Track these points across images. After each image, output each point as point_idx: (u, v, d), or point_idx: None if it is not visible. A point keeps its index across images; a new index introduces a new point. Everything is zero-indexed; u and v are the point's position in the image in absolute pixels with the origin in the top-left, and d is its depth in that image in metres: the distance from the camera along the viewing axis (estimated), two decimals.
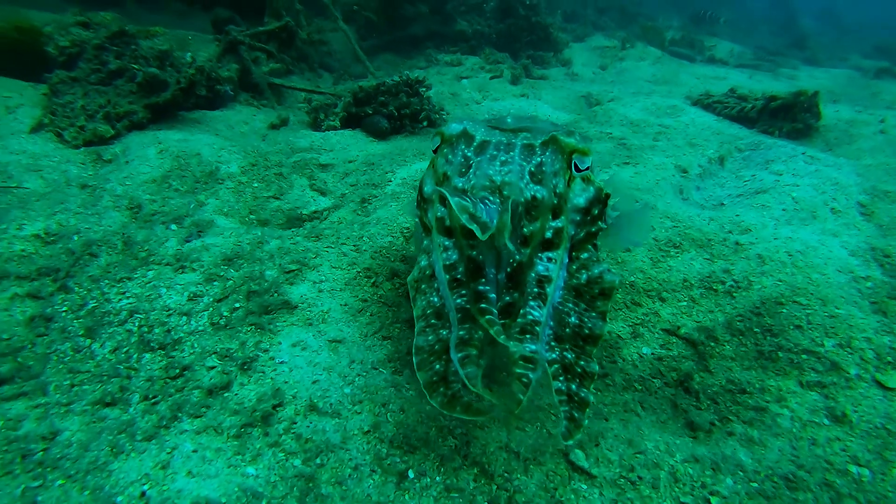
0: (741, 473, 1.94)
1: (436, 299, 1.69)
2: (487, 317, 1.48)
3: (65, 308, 2.38)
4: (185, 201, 3.15)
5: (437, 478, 1.82)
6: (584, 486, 1.87)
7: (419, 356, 1.63)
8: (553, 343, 1.66)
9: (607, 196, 1.89)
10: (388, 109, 4.34)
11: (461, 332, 1.55)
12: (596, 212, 1.82)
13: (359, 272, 2.65)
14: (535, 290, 1.61)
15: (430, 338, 1.64)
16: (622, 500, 1.84)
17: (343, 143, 4.11)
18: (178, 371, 2.05)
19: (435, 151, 1.83)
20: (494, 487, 1.83)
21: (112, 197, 3.11)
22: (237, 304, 2.33)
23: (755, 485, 1.90)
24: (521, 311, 1.58)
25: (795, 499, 1.86)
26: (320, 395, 1.97)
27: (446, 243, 1.66)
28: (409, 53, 7.54)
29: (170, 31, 5.38)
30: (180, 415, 1.88)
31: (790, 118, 5.04)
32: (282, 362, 2.09)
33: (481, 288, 1.56)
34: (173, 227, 2.89)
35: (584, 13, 11.47)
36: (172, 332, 2.24)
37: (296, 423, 1.87)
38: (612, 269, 1.73)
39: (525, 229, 1.60)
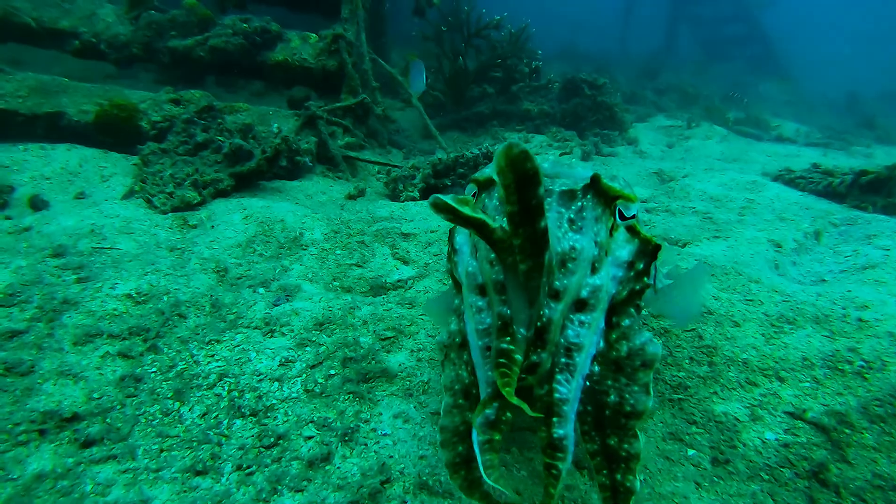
0: None
1: (465, 374, 1.50)
2: (502, 370, 1.24)
3: (154, 369, 2.32)
4: (270, 266, 3.13)
5: None
6: None
7: (443, 435, 1.47)
8: (593, 432, 1.46)
9: (656, 249, 1.60)
10: (467, 181, 4.33)
11: (488, 412, 1.31)
12: (641, 266, 1.56)
13: None
14: (563, 360, 1.37)
15: (456, 419, 1.47)
16: None
17: (423, 213, 4.08)
18: (272, 440, 1.93)
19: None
20: None
21: (199, 260, 3.12)
22: (332, 371, 2.22)
23: None
24: (546, 386, 1.36)
25: None
26: (429, 472, 1.80)
27: (479, 304, 1.44)
28: (475, 132, 7.67)
29: (252, 107, 5.62)
30: (280, 487, 1.73)
31: (885, 193, 4.81)
32: (384, 434, 1.95)
33: (504, 346, 1.28)
34: (261, 290, 2.85)
35: (643, 94, 11.60)
36: (264, 399, 2.13)
37: (406, 503, 1.70)
38: (655, 340, 1.52)
39: (557, 283, 1.35)
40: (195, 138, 4.64)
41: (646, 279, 1.57)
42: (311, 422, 2.00)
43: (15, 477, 1.80)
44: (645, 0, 33.49)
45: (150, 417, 2.10)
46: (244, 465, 1.85)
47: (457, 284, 1.65)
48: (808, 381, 2.43)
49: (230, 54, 5.82)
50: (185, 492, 1.79)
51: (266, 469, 1.82)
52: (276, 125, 4.71)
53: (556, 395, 1.35)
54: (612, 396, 1.45)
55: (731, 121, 9.78)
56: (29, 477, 1.81)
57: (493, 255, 1.34)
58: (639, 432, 1.45)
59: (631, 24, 33.13)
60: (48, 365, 2.26)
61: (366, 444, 1.91)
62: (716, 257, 3.34)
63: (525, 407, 1.17)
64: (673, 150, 7.97)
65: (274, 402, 2.12)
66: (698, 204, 4.71)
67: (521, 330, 1.28)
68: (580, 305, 1.41)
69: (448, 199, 1.06)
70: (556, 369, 1.36)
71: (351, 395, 2.12)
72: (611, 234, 1.50)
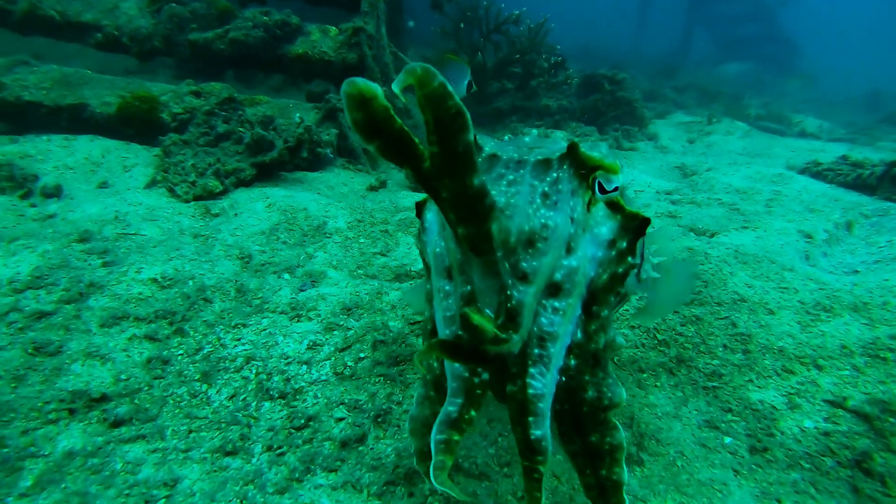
0: None
1: (436, 364, 1.40)
2: (471, 307, 1.14)
3: (181, 351, 2.30)
4: (294, 253, 3.11)
5: None
6: None
7: (412, 425, 1.41)
8: (572, 432, 1.35)
9: (644, 223, 1.38)
10: None
11: (451, 409, 1.20)
12: (624, 245, 1.36)
13: None
14: (536, 350, 1.22)
15: (425, 411, 1.40)
16: None
17: None
18: (303, 421, 1.90)
19: None
20: None
21: (223, 246, 3.10)
22: (362, 355, 2.19)
23: None
24: (518, 381, 1.22)
25: None
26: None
27: (447, 288, 1.29)
28: (493, 127, 7.62)
29: (272, 99, 5.61)
30: (313, 467, 1.70)
31: None
32: None
33: (468, 309, 1.13)
34: (286, 276, 2.82)
35: (662, 92, 11.48)
36: (293, 381, 2.10)
37: None
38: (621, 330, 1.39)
39: (524, 264, 1.18)
40: (216, 129, 4.63)
41: (629, 259, 1.38)
42: (342, 403, 1.96)
43: (46, 453, 1.79)
44: (660, 1, 33.28)
45: (178, 399, 2.08)
46: (275, 446, 1.82)
47: (427, 268, 1.49)
48: (847, 370, 2.36)
49: (250, 47, 5.81)
50: (215, 471, 1.76)
51: (298, 449, 1.79)
52: (298, 115, 4.70)
53: (531, 391, 1.20)
54: (590, 392, 1.33)
55: (753, 117, 9.65)
56: (60, 454, 1.79)
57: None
58: (617, 422, 1.36)
59: (646, 25, 32.95)
60: (76, 346, 2.25)
61: (399, 426, 1.87)
62: (745, 247, 3.27)
63: (488, 326, 1.07)
64: (694, 146, 7.86)
65: (303, 384, 2.09)
66: (724, 196, 4.63)
67: (488, 311, 1.18)
68: (553, 290, 1.25)
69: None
70: (529, 361, 1.22)
71: (382, 378, 2.08)
72: (588, 210, 1.33)
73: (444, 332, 1.28)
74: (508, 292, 1.16)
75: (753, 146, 7.76)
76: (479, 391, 1.21)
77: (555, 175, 1.28)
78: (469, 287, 1.19)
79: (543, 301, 1.24)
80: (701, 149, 7.65)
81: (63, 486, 1.68)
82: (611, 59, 14.23)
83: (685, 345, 2.55)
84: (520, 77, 8.09)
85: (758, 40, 23.92)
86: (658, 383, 2.40)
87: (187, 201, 3.83)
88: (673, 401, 2.31)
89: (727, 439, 2.14)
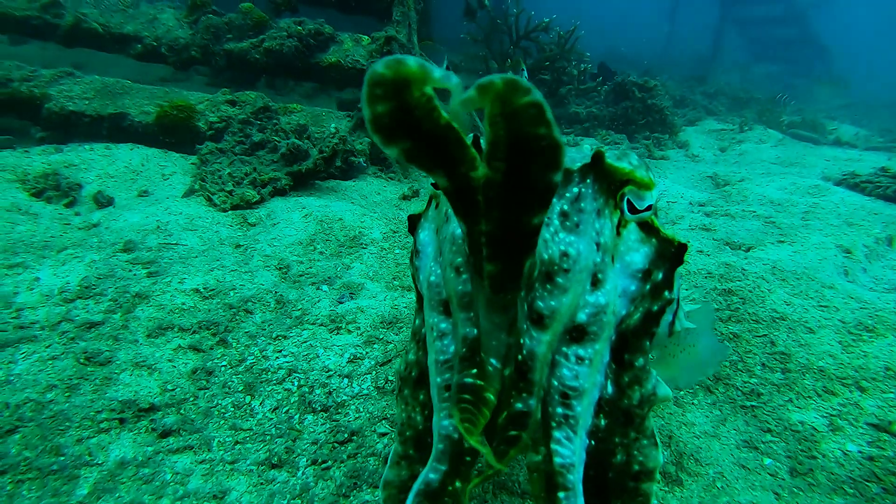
0: None
1: (419, 419, 1.19)
2: (462, 405, 0.88)
3: (224, 362, 2.36)
4: (331, 264, 3.16)
5: None
6: None
7: (386, 491, 1.19)
8: (593, 500, 1.14)
9: (681, 250, 1.18)
10: None
11: (432, 476, 0.97)
12: (661, 276, 1.16)
13: None
14: (560, 410, 1.02)
15: (403, 473, 1.19)
16: None
17: None
18: (346, 436, 1.94)
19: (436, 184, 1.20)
20: None
21: (262, 257, 3.17)
22: None
23: None
24: (541, 449, 1.01)
25: None
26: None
27: (442, 326, 1.07)
28: None
29: (305, 108, 5.70)
30: (360, 483, 1.74)
31: None
32: None
33: (468, 381, 0.91)
34: (324, 287, 2.87)
35: (692, 98, 11.37)
36: (334, 395, 2.15)
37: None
38: (660, 378, 1.21)
39: (541, 303, 0.97)
40: (251, 138, 4.72)
41: (666, 294, 1.18)
42: (385, 418, 2.00)
43: (100, 462, 1.85)
44: (690, 3, 32.93)
45: (223, 410, 2.13)
46: (319, 460, 1.86)
47: (419, 297, 1.25)
48: (892, 392, 2.32)
49: (284, 56, 5.91)
50: (261, 484, 1.80)
51: (343, 464, 1.83)
52: (333, 125, 4.77)
53: (558, 461, 0.99)
54: (619, 456, 1.14)
55: (786, 124, 9.50)
56: (112, 463, 1.85)
57: (459, 259, 0.99)
58: (652, 496, 1.17)
59: (676, 29, 32.62)
60: (124, 356, 2.32)
61: None
62: (783, 262, 3.24)
63: (489, 454, 0.86)
64: (726, 154, 7.78)
65: (344, 398, 2.13)
66: (759, 208, 4.58)
67: (493, 361, 0.93)
68: (577, 334, 1.04)
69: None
70: (553, 423, 1.01)
71: None
72: (618, 233, 1.13)
73: (435, 381, 1.04)
74: (521, 340, 0.95)
75: (787, 155, 7.64)
76: (468, 458, 0.98)
77: (576, 190, 1.06)
78: (475, 331, 0.94)
79: (564, 349, 1.03)
80: (733, 157, 7.57)
81: (117, 495, 1.74)
82: (640, 65, 14.12)
83: (723, 363, 2.54)
84: (549, 84, 8.09)
85: (790, 43, 23.55)
86: (695, 401, 2.39)
87: (224, 210, 3.91)
88: (711, 419, 2.30)
89: (767, 460, 2.13)
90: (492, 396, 0.90)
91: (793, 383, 2.40)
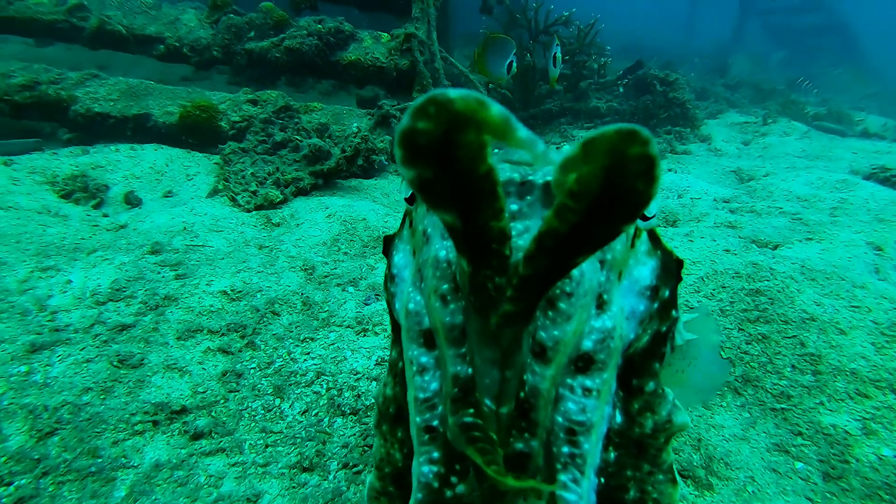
0: None
1: (398, 456, 1.09)
2: (480, 445, 0.78)
3: (253, 365, 2.39)
4: (356, 265, 3.18)
5: None
6: None
7: None
8: None
9: (680, 265, 1.12)
10: None
11: None
12: (667, 294, 1.08)
13: None
14: (566, 449, 0.90)
15: None
16: None
17: None
18: None
19: (410, 200, 1.13)
20: None
21: (287, 258, 3.20)
22: None
23: None
24: (544, 495, 0.91)
25: None
26: None
27: (423, 360, 0.95)
28: (542, 129, 7.59)
29: (326, 106, 5.73)
30: None
31: None
32: None
33: (469, 420, 0.83)
34: (350, 289, 2.89)
35: (714, 90, 11.22)
36: (363, 398, 2.16)
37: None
38: (678, 403, 1.12)
39: (543, 333, 0.86)
40: (273, 137, 4.76)
41: (673, 313, 1.12)
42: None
43: (136, 464, 1.89)
44: None
45: (253, 413, 2.16)
46: (350, 464, 1.88)
47: (395, 326, 1.14)
48: None
49: (304, 55, 5.94)
50: (294, 487, 1.83)
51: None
52: (355, 125, 4.79)
53: None
54: (632, 492, 1.04)
55: (811, 116, 9.34)
56: (148, 465, 1.89)
57: (445, 287, 0.88)
58: None
59: (696, 18, 32.17)
60: (155, 358, 2.36)
61: None
62: (812, 261, 3.19)
63: (533, 484, 0.76)
64: (749, 148, 7.66)
65: (373, 401, 2.14)
66: (785, 204, 4.51)
67: (487, 401, 0.86)
68: (583, 364, 0.92)
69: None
70: (558, 465, 0.90)
71: None
72: (632, 245, 1.04)
73: (415, 421, 0.94)
74: (524, 376, 0.86)
75: (812, 148, 7.52)
76: None
77: None
78: (469, 370, 0.86)
79: (570, 380, 0.92)
80: (757, 151, 7.46)
81: (154, 497, 1.78)
82: (660, 56, 13.95)
83: (751, 363, 2.51)
84: (569, 78, 8.03)
85: (815, 31, 23.08)
86: (724, 403, 2.38)
87: (249, 211, 3.95)
88: (740, 422, 2.28)
89: (798, 464, 2.11)
90: (494, 436, 0.81)
91: (824, 386, 2.37)
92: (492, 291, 0.71)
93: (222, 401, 2.20)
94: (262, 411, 2.16)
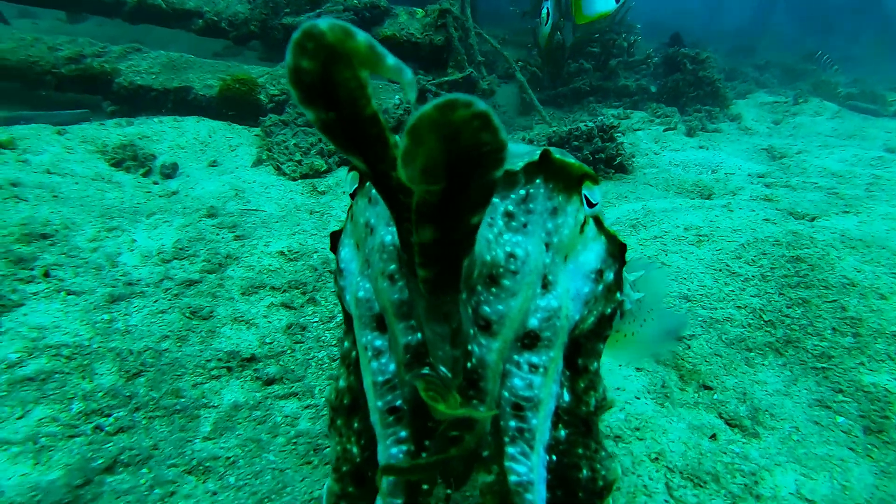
0: None
1: (355, 450, 1.05)
2: (428, 378, 0.81)
3: (316, 319, 2.51)
4: None
5: None
6: None
7: None
8: None
9: (623, 250, 1.16)
10: (582, 154, 4.36)
11: None
12: (612, 277, 1.12)
13: None
14: (514, 423, 0.92)
15: None
16: None
17: None
18: None
19: (353, 195, 1.13)
20: None
21: (338, 222, 3.31)
22: None
23: None
24: (493, 468, 0.90)
25: None
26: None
27: (377, 343, 0.96)
28: (571, 108, 7.61)
29: None
30: None
31: None
32: None
33: (424, 371, 0.84)
34: None
35: (742, 71, 11.12)
36: None
37: None
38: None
39: (487, 307, 0.89)
40: None
41: (617, 295, 1.15)
42: None
43: (216, 405, 2.02)
44: None
45: (320, 362, 2.29)
46: None
47: (347, 318, 1.15)
48: None
49: None
50: None
51: None
52: (397, 97, 4.87)
53: (514, 479, 0.89)
54: (585, 471, 1.05)
55: (843, 96, 9.24)
56: (227, 406, 2.02)
57: (392, 267, 0.90)
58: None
59: None
60: (223, 311, 2.49)
61: None
62: (850, 231, 3.24)
63: (464, 412, 0.79)
64: (780, 127, 7.64)
65: None
66: (819, 180, 4.54)
67: (443, 369, 0.84)
68: (529, 340, 0.95)
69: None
70: (506, 438, 0.91)
71: None
72: (581, 230, 1.07)
73: (375, 405, 0.93)
74: (470, 347, 0.87)
75: (845, 128, 7.47)
76: (426, 486, 0.89)
77: (523, 192, 0.99)
78: (418, 335, 0.87)
79: (516, 357, 0.94)
80: (788, 130, 7.43)
81: (237, 433, 1.91)
82: (685, 35, 13.81)
83: (792, 326, 2.59)
84: (598, 56, 8.03)
85: (846, 11, 22.60)
86: (766, 362, 2.46)
87: (294, 179, 4.07)
88: (782, 379, 2.37)
89: (840, 419, 2.19)
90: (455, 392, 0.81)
91: (864, 347, 2.44)
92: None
93: (289, 351, 2.33)
94: (328, 360, 2.29)
